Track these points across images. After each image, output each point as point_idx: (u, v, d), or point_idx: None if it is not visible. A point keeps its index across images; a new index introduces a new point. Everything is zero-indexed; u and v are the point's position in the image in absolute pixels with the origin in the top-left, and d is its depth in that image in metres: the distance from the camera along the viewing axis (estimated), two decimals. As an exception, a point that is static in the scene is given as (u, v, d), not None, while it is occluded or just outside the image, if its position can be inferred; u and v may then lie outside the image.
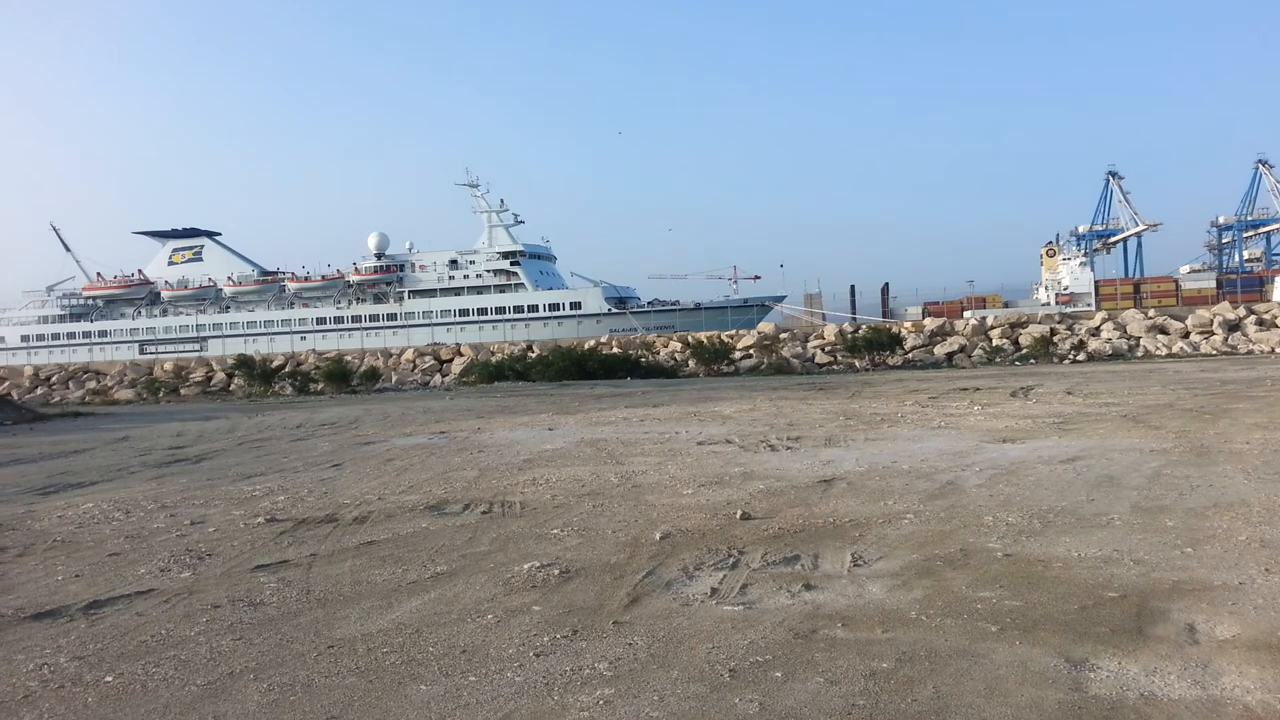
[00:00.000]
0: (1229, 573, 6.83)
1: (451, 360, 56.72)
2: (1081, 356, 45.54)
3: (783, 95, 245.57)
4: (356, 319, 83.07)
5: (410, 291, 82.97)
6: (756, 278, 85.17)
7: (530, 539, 8.92)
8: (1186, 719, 4.50)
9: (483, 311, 79.70)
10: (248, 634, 6.28)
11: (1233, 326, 48.04)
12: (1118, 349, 47.05)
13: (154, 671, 5.63)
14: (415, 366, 56.32)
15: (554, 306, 78.39)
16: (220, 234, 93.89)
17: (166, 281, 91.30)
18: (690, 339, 52.88)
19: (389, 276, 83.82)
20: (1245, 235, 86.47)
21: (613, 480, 12.28)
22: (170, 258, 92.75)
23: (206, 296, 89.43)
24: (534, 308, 78.52)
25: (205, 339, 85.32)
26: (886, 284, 70.39)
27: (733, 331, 56.18)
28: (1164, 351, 46.24)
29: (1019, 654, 5.34)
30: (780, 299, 75.92)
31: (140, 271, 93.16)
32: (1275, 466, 11.32)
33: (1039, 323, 51.44)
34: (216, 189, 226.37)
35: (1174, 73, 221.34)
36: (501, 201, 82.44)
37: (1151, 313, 51.66)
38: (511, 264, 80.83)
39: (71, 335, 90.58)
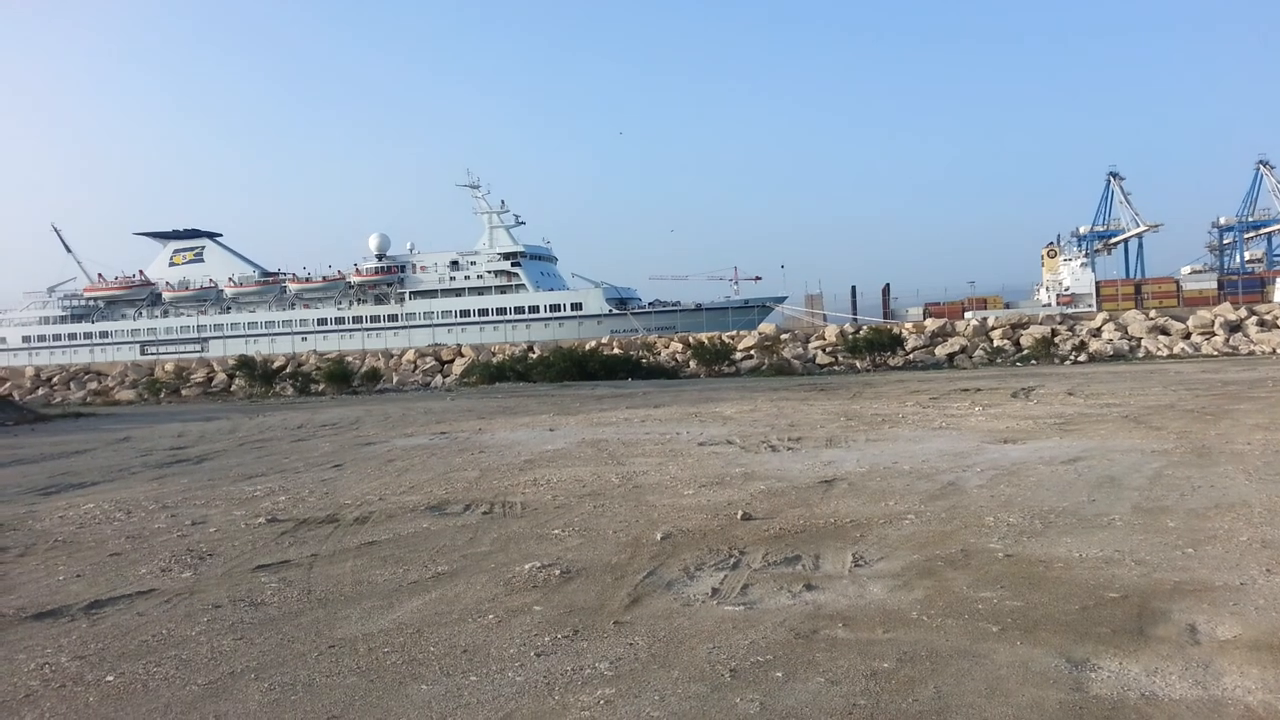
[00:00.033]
0: (1230, 573, 6.83)
1: (452, 361, 56.71)
2: (1083, 357, 45.51)
3: (783, 95, 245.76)
4: (357, 320, 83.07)
5: (411, 292, 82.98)
6: (757, 279, 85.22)
7: (531, 539, 8.92)
8: (1188, 719, 4.50)
9: (484, 312, 79.69)
10: (249, 634, 6.28)
11: (1234, 327, 48.00)
12: (1119, 350, 47.01)
13: (155, 671, 5.63)
14: (416, 367, 56.31)
15: (555, 307, 78.38)
16: (221, 235, 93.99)
17: (167, 282, 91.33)
18: (691, 340, 52.85)
19: (390, 277, 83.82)
20: (1246, 236, 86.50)
21: (614, 481, 12.28)
22: (171, 259, 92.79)
23: (207, 297, 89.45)
24: (535, 309, 78.51)
25: (206, 340, 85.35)
26: (887, 285, 70.43)
27: (734, 332, 56.14)
28: (1165, 352, 46.21)
29: (1020, 654, 5.34)
30: (781, 300, 75.90)
31: (141, 272, 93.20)
32: (1276, 467, 11.32)
33: (1040, 323, 51.39)
34: (217, 190, 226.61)
35: (1175, 73, 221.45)
36: (502, 202, 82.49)
37: (1153, 314, 51.61)
38: (512, 265, 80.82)
39: (73, 336, 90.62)
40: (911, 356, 48.71)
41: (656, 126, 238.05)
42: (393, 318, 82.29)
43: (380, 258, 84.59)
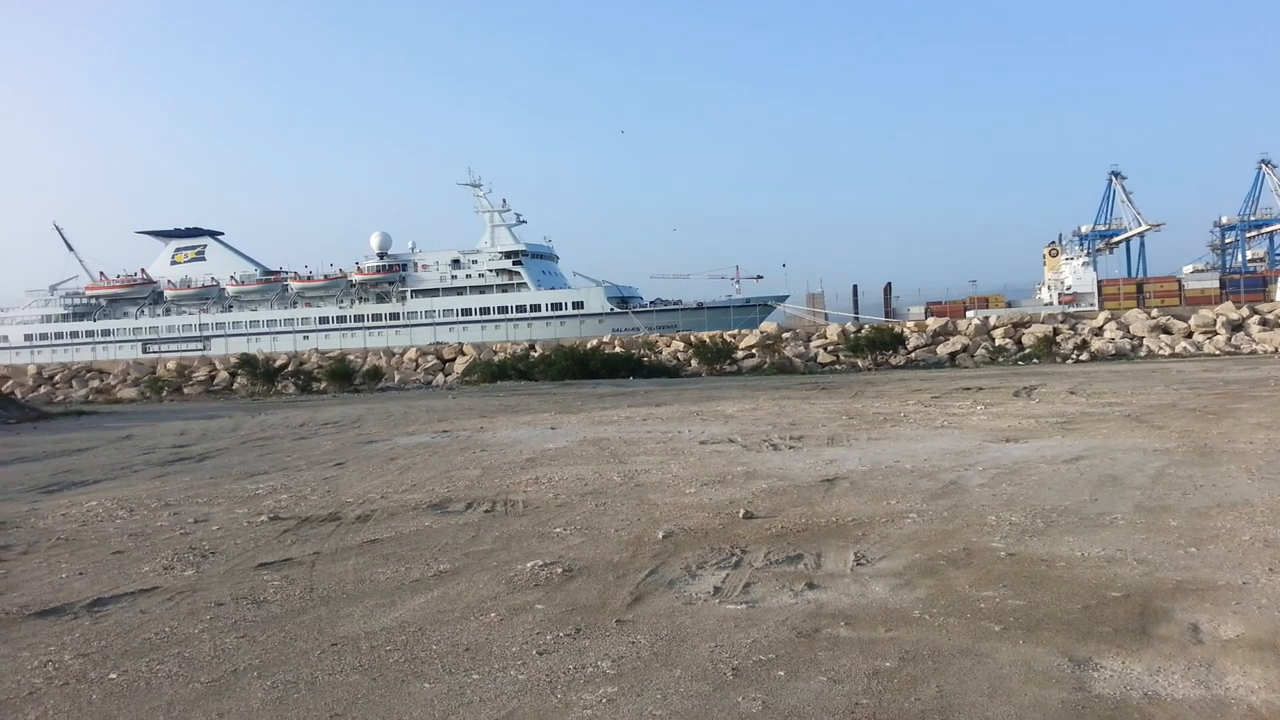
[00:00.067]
0: (1233, 572, 6.82)
1: (454, 359, 56.75)
2: (1084, 356, 45.49)
3: (783, 95, 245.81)
4: (359, 318, 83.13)
5: (413, 291, 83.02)
6: (759, 277, 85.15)
7: (533, 537, 8.93)
8: (1190, 719, 4.50)
9: (485, 311, 79.72)
10: (251, 632, 6.29)
11: (1236, 326, 47.96)
12: (1121, 349, 46.98)
13: (158, 669, 5.64)
14: (418, 366, 56.35)
15: (556, 306, 78.40)
16: (223, 233, 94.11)
17: (169, 281, 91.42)
18: (693, 338, 52.86)
19: (391, 276, 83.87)
20: (1248, 235, 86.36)
21: (615, 479, 12.28)
22: (173, 257, 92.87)
23: (209, 296, 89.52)
24: (536, 307, 78.53)
25: (208, 338, 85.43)
26: (889, 283, 70.53)
27: (735, 331, 56.16)
28: (1167, 351, 46.17)
29: (1022, 653, 5.34)
30: (783, 298, 75.91)
31: (143, 271, 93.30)
32: (1279, 466, 11.31)
33: (1042, 322, 51.37)
34: (219, 189, 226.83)
35: (1177, 72, 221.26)
36: (504, 201, 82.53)
37: (1155, 313, 51.59)
38: (514, 263, 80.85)
39: (75, 334, 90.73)
40: (913, 355, 48.70)
41: (657, 126, 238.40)
42: (394, 316, 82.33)
43: (382, 256, 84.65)
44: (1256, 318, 48.51)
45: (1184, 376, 28.73)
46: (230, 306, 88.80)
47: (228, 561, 8.43)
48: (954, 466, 12.19)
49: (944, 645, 5.51)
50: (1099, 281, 63.65)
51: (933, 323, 53.31)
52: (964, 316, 56.27)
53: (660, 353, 52.61)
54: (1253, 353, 44.28)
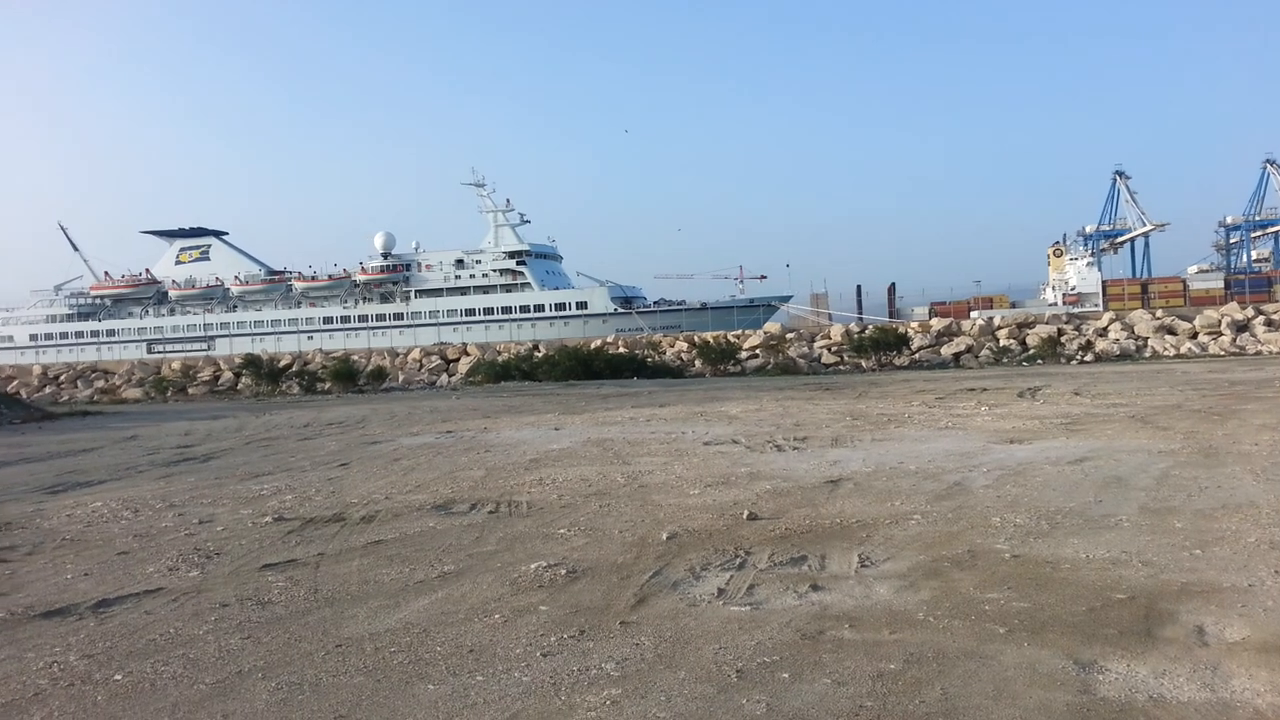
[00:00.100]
0: (1238, 574, 6.80)
1: (458, 360, 56.75)
2: (1089, 357, 45.40)
3: (783, 95, 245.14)
4: (363, 318, 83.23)
5: (417, 291, 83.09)
6: (763, 278, 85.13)
7: (537, 539, 8.93)
8: (1196, 721, 4.49)
9: (489, 311, 79.77)
10: (256, 633, 6.30)
11: (1241, 327, 47.85)
12: (1125, 349, 46.89)
13: (163, 670, 5.64)
14: (422, 366, 56.36)
15: (560, 306, 78.45)
16: (227, 233, 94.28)
17: (174, 281, 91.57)
18: (696, 339, 52.82)
19: (395, 276, 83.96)
20: (1253, 235, 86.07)
21: (619, 480, 12.28)
22: (177, 257, 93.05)
23: (214, 296, 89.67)
24: (540, 307, 78.57)
25: (213, 338, 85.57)
26: (893, 284, 70.56)
27: (739, 331, 56.12)
28: (1172, 352, 46.08)
29: (1027, 656, 5.33)
30: (786, 299, 75.88)
31: (148, 271, 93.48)
32: (1284, 468, 11.27)
33: (1046, 323, 51.28)
34: (223, 189, 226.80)
35: (1181, 72, 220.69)
36: (508, 201, 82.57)
37: (1159, 313, 51.48)
38: (518, 264, 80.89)
39: (79, 334, 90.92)
40: (917, 356, 48.65)
41: (658, 126, 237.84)
42: (398, 316, 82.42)
43: (386, 256, 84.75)
44: (1262, 318, 48.39)
45: (1189, 377, 28.68)
46: (235, 306, 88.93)
47: (232, 562, 8.44)
48: (958, 468, 12.17)
49: (948, 647, 5.51)
50: (1103, 282, 63.57)
51: (937, 323, 53.24)
52: (968, 317, 56.21)
53: (664, 353, 52.59)
54: (1258, 353, 44.18)
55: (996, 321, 52.59)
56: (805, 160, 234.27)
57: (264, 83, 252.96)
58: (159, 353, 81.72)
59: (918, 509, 9.62)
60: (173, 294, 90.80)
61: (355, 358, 55.93)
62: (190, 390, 52.82)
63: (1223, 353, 45.06)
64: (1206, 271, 72.14)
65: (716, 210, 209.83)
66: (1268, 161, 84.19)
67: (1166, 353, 46.08)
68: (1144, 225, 78.20)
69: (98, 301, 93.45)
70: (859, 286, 72.06)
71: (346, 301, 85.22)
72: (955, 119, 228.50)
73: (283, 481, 13.46)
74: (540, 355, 51.06)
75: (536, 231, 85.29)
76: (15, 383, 60.39)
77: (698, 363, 49.27)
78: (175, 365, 61.74)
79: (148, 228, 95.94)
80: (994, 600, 6.40)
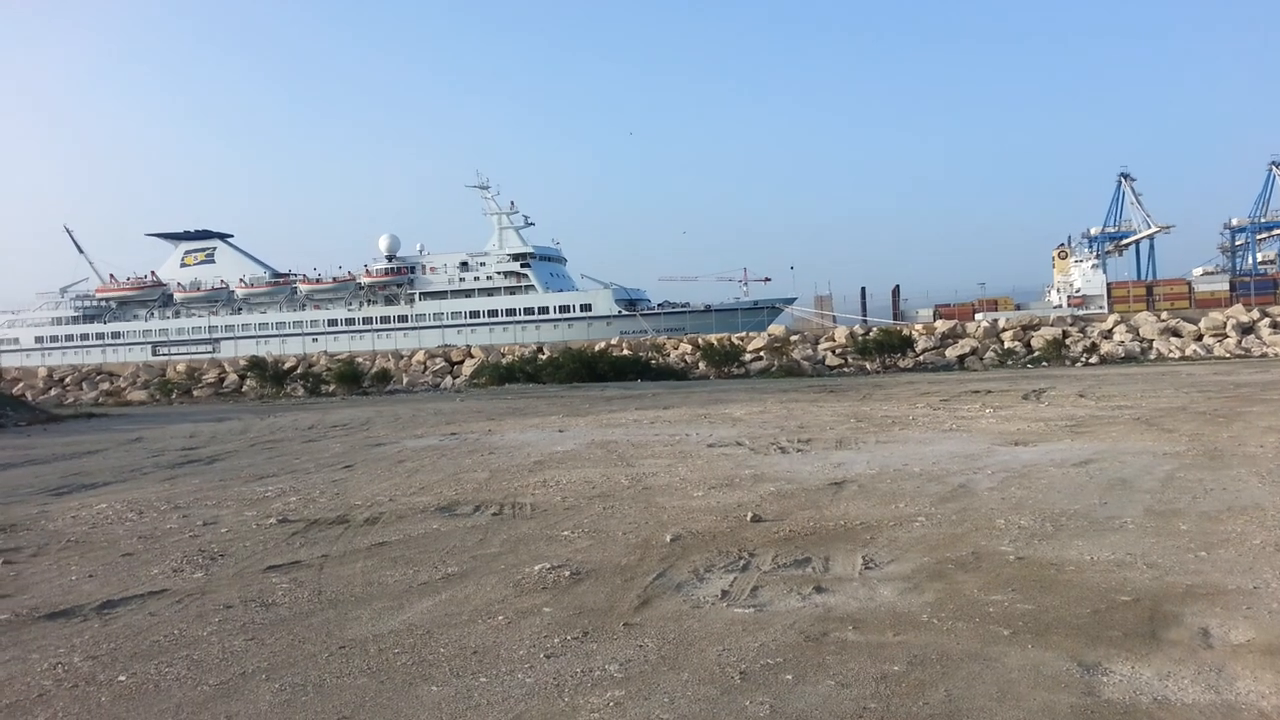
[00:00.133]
0: (1243, 577, 6.79)
1: (462, 362, 56.81)
2: (1094, 359, 45.33)
3: (783, 95, 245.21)
4: (368, 321, 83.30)
5: (421, 293, 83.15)
6: (767, 280, 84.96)
7: (541, 540, 8.93)
8: (1200, 724, 4.48)
9: (493, 313, 79.81)
10: (260, 634, 6.30)
11: (1246, 329, 47.76)
12: (1130, 352, 46.82)
13: (167, 671, 5.65)
14: (426, 368, 56.43)
15: (564, 308, 78.45)
16: (232, 236, 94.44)
17: (179, 283, 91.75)
18: (700, 341, 52.86)
19: (400, 278, 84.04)
20: (1259, 237, 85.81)
21: (623, 482, 12.28)
22: (183, 259, 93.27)
23: (219, 298, 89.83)
24: (544, 309, 78.60)
25: (217, 340, 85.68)
26: (897, 286, 70.29)
27: (743, 334, 56.10)
28: (1177, 354, 46.01)
29: (1031, 658, 5.32)
30: (790, 301, 75.85)
31: (153, 273, 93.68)
32: (1290, 470, 11.24)
33: (1051, 325, 51.23)
34: (227, 191, 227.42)
35: (1185, 73, 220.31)
36: (512, 203, 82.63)
37: (1164, 315, 51.39)
38: (522, 266, 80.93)
39: (85, 337, 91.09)
40: (921, 358, 48.62)
41: (658, 126, 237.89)
42: (403, 319, 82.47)
43: (390, 259, 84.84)
44: (1267, 320, 48.29)
45: (1194, 379, 28.62)
46: (239, 309, 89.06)
47: (236, 564, 8.45)
48: (963, 470, 12.16)
49: (952, 649, 5.50)
50: (1108, 284, 63.40)
51: (941, 325, 53.21)
52: (972, 319, 56.11)
53: (668, 355, 52.62)
54: (1263, 356, 44.09)
55: (1001, 324, 52.55)
56: (807, 161, 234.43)
57: (265, 83, 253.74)
58: (164, 355, 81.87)
59: (922, 511, 9.61)
60: (178, 296, 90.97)
61: (360, 360, 56.04)
62: (195, 392, 52.95)
63: (1228, 355, 44.97)
64: (1212, 274, 71.83)
65: (719, 211, 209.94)
66: (1274, 163, 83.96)
67: (1171, 355, 45.99)
68: (1149, 227, 78.04)
69: (103, 304, 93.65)
70: (863, 289, 71.87)
71: (351, 304, 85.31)
72: (956, 119, 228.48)
73: (287, 483, 13.48)
74: (544, 357, 51.11)
75: (541, 234, 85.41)
76: (21, 385, 60.56)
77: (702, 365, 49.29)
78: (180, 368, 61.89)
79: (151, 230, 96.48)
80: (998, 602, 6.39)
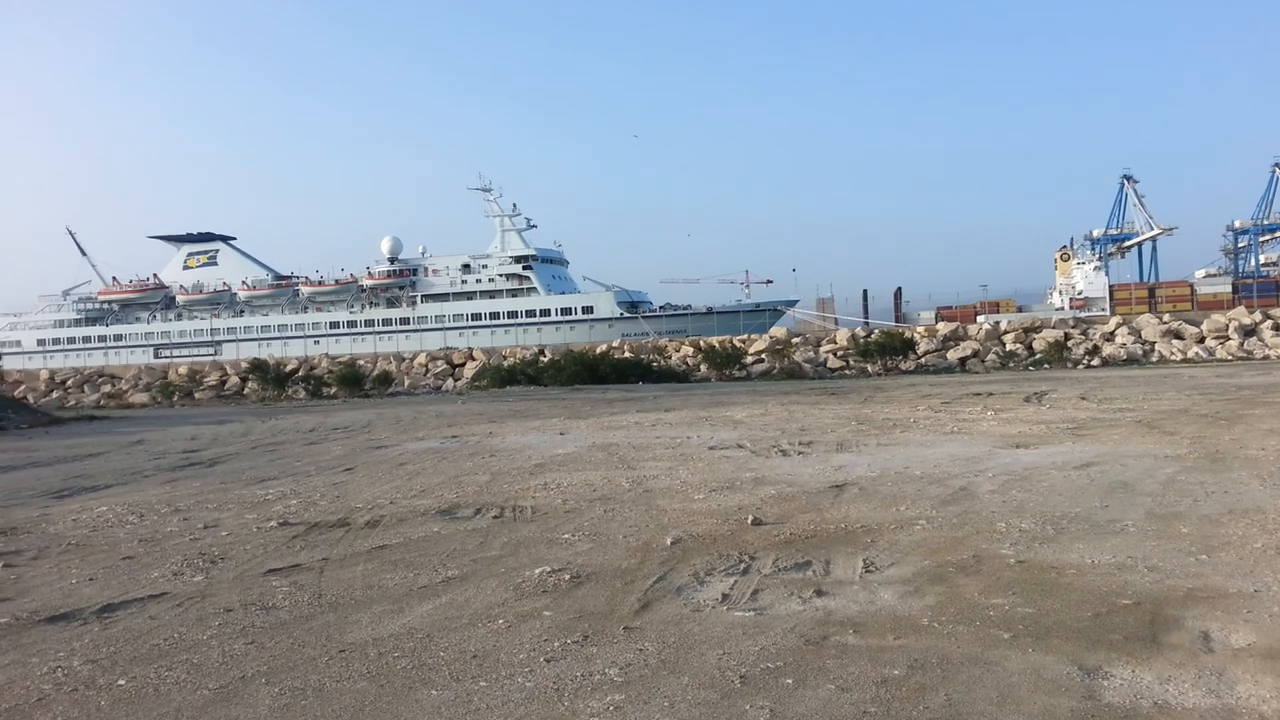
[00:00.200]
0: (1244, 580, 6.78)
1: (464, 364, 56.83)
2: (1096, 362, 45.32)
3: (786, 95, 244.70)
4: (369, 323, 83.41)
5: (423, 296, 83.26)
6: (769, 282, 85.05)
7: (541, 544, 8.93)
8: (1201, 728, 4.47)
9: (495, 316, 79.92)
10: (260, 638, 6.30)
11: (1249, 331, 47.73)
12: (1132, 354, 46.80)
13: (166, 675, 5.65)
14: (427, 371, 56.45)
15: (566, 311, 78.55)
16: (235, 238, 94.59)
17: (181, 286, 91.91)
18: (702, 343, 52.87)
19: (402, 281, 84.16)
20: (1261, 239, 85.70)
21: (624, 485, 12.28)
22: (185, 262, 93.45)
23: (221, 301, 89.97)
24: (546, 312, 78.69)
25: (220, 343, 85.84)
26: (899, 288, 70.45)
27: (744, 336, 56.10)
28: (1179, 357, 45.98)
29: (1032, 661, 5.32)
30: (792, 303, 75.95)
31: (155, 276, 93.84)
32: (1292, 473, 11.23)
33: (1053, 327, 51.21)
34: (229, 193, 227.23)
35: (1186, 75, 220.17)
36: (514, 206, 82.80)
37: (1166, 317, 51.36)
38: (524, 268, 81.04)
39: (87, 339, 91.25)
40: (923, 360, 48.61)
41: (659, 127, 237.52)
42: (404, 321, 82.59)
43: (392, 261, 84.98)
44: (1269, 323, 48.26)
45: (1196, 382, 28.60)
46: (241, 311, 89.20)
47: (237, 567, 8.45)
48: (964, 473, 12.15)
49: (953, 653, 5.49)
50: (1110, 286, 63.43)
51: (943, 327, 53.20)
52: (974, 321, 56.13)
53: (669, 358, 52.63)
54: (1265, 358, 44.06)
55: (1003, 326, 52.54)
56: (808, 162, 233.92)
57: (265, 84, 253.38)
58: (166, 358, 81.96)
59: (923, 514, 9.60)
60: (180, 299, 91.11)
61: (361, 362, 56.10)
62: (197, 395, 53.02)
63: (1230, 357, 44.93)
64: (1214, 276, 71.93)
65: (720, 213, 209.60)
66: (1277, 165, 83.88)
67: (1173, 357, 45.97)
68: (1151, 229, 78.00)
69: (105, 306, 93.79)
70: (865, 291, 72.05)
71: (353, 306, 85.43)
72: (956, 119, 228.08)
73: (288, 486, 13.48)
74: (546, 360, 51.14)
75: (543, 236, 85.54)
76: (22, 387, 60.62)
77: (703, 367, 49.31)
78: (182, 370, 61.94)
79: (153, 232, 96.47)
80: (999, 606, 6.38)
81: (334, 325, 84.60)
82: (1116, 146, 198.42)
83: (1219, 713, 4.60)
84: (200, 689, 5.40)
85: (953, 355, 48.85)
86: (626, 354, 53.39)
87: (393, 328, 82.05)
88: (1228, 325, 48.13)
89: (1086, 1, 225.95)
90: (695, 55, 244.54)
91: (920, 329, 54.09)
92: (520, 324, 77.76)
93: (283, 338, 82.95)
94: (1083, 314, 57.62)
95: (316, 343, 79.86)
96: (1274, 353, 44.89)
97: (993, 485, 11.14)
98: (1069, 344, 47.99)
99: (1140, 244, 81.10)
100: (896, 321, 63.22)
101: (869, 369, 47.16)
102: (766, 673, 5.30)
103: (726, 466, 13.66)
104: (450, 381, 53.56)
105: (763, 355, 50.75)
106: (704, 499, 11.01)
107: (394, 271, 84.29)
